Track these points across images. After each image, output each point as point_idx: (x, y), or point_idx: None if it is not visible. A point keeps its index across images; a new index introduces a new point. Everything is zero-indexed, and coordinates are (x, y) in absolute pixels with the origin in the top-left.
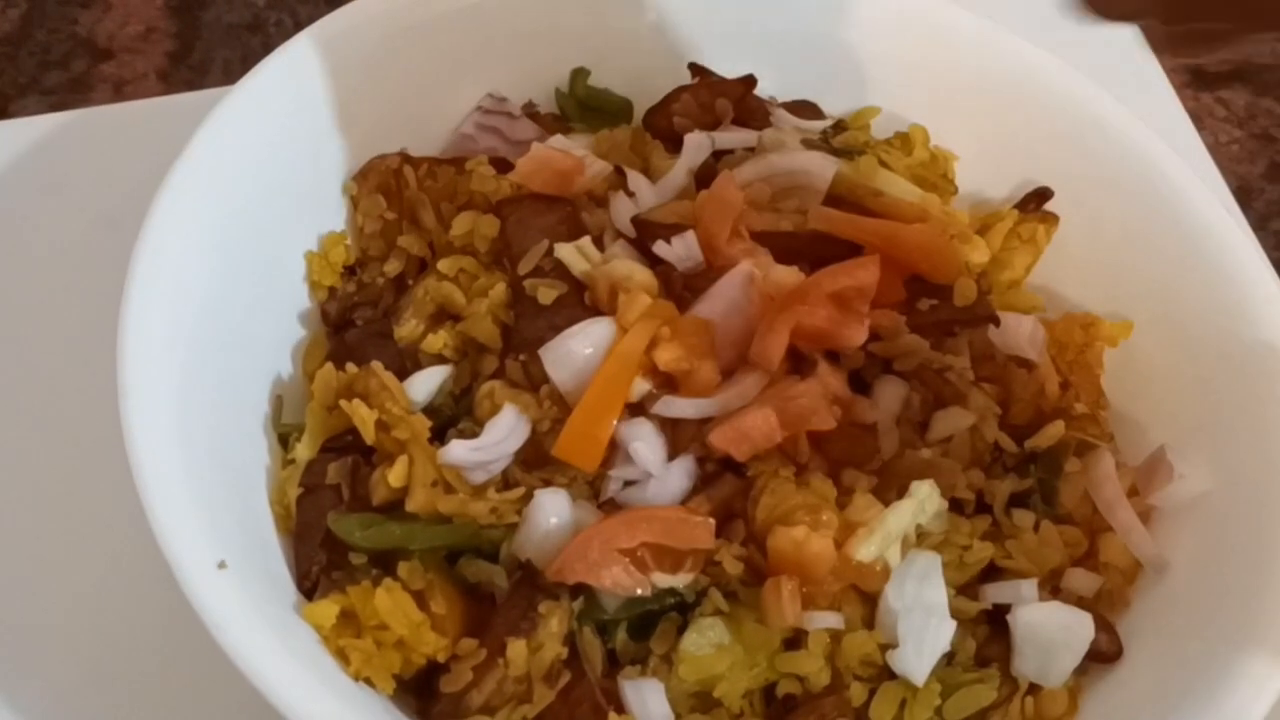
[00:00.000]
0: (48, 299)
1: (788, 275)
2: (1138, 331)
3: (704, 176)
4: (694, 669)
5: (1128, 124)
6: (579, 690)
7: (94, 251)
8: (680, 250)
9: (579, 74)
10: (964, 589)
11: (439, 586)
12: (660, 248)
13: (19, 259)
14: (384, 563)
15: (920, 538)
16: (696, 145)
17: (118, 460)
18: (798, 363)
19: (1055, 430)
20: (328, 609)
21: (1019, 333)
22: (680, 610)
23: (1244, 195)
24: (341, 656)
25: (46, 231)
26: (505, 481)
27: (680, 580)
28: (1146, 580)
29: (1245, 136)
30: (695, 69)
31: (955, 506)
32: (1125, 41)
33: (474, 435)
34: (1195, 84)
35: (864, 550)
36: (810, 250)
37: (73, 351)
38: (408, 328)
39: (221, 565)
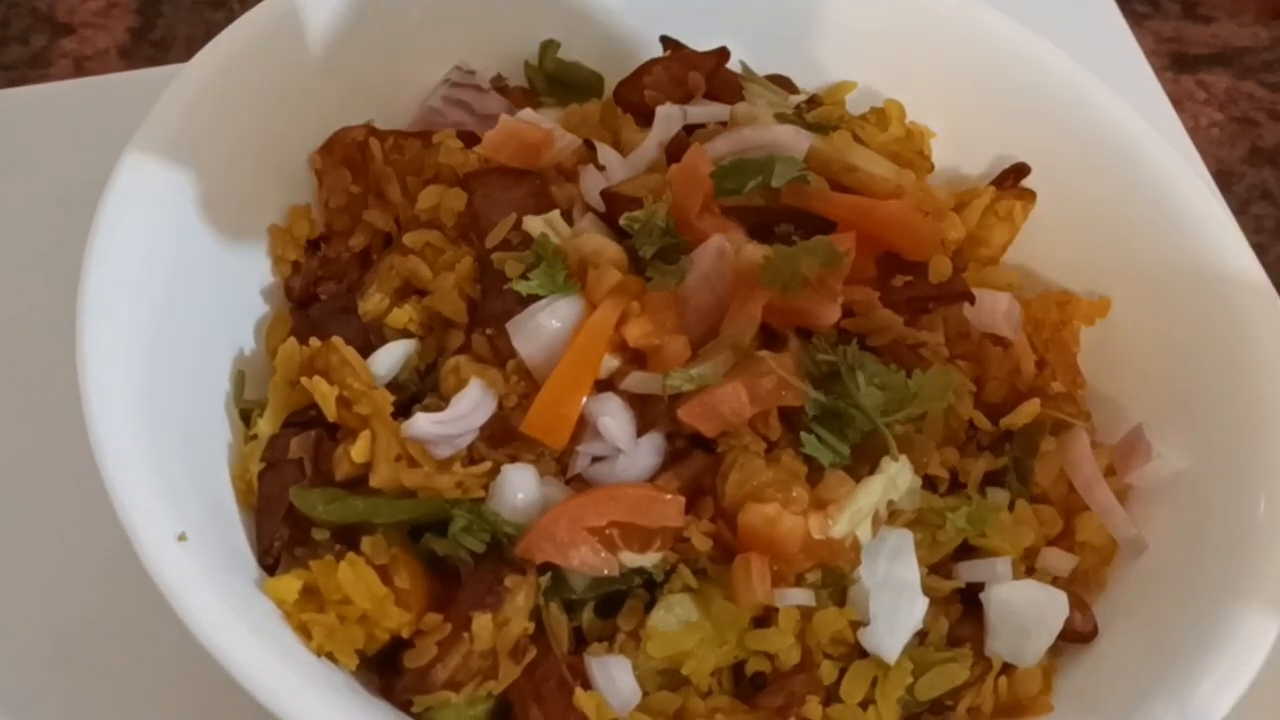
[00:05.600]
0: (7, 277)
1: (760, 251)
2: (1115, 309)
3: (675, 150)
4: (662, 646)
5: (1107, 101)
6: (545, 666)
7: (54, 230)
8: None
9: (549, 46)
10: (937, 567)
11: (403, 561)
12: None
13: None
14: (347, 538)
15: (893, 515)
16: (667, 118)
17: (79, 434)
18: (769, 339)
19: (1031, 408)
20: (290, 584)
21: (994, 310)
22: (649, 588)
23: (1224, 179)
24: (304, 632)
25: (5, 209)
26: (471, 457)
27: (649, 559)
28: (1123, 560)
29: (1226, 120)
30: (667, 41)
31: (929, 484)
32: (1105, 22)
33: (439, 410)
34: (1175, 66)
35: (834, 527)
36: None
37: (33, 328)
38: (372, 302)
39: (182, 538)
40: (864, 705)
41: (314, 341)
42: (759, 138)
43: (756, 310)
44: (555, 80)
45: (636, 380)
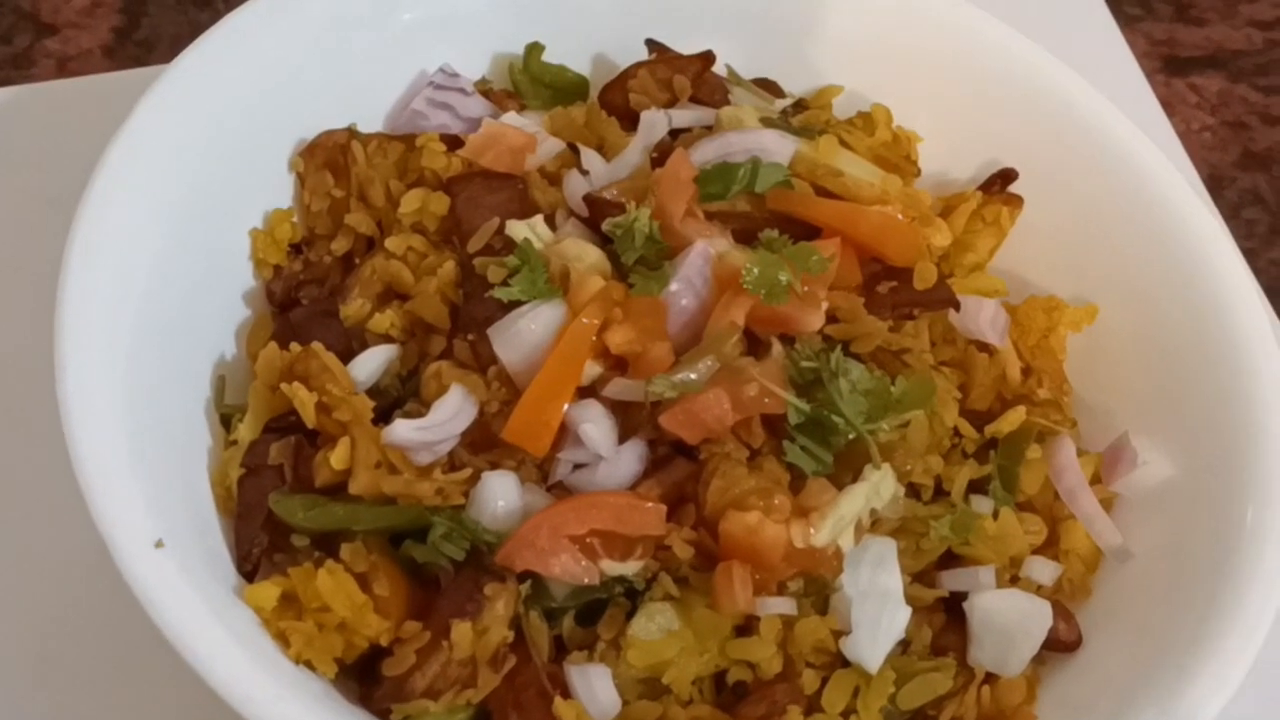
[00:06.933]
0: None
1: (744, 257)
2: (1102, 316)
3: (660, 154)
4: (642, 655)
5: (1097, 105)
6: (525, 675)
7: (36, 231)
8: None
9: (533, 49)
10: (920, 575)
11: (383, 568)
12: None
13: None
14: (326, 545)
15: (876, 523)
16: (652, 123)
17: (57, 437)
18: (753, 345)
19: (1016, 416)
20: (268, 591)
21: (980, 316)
22: (630, 596)
23: (1215, 184)
24: (282, 639)
25: None
26: (451, 464)
27: (630, 568)
28: (1108, 568)
29: (1218, 124)
30: (653, 45)
31: (913, 492)
32: (1095, 25)
33: (420, 416)
34: (1167, 70)
35: (817, 535)
36: None
37: (13, 330)
38: (354, 307)
39: (159, 544)
40: (846, 715)
41: (294, 346)
42: (744, 142)
43: (740, 316)
44: (540, 83)
45: (618, 387)
